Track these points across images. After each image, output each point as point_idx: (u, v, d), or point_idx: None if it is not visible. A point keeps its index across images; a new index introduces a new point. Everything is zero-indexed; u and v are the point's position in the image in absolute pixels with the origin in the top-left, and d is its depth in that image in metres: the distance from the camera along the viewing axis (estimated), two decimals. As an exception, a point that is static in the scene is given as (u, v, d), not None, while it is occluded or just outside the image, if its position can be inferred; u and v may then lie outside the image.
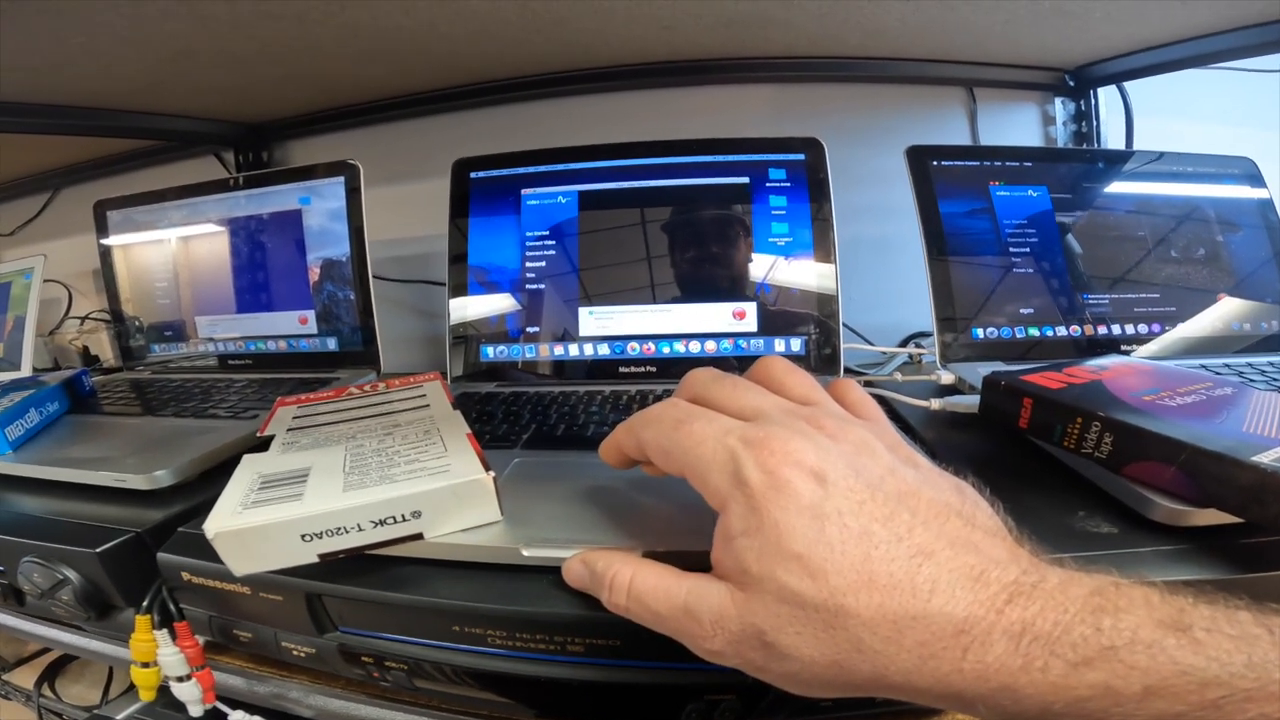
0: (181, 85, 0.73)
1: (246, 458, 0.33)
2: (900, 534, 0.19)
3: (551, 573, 0.27)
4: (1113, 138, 0.84)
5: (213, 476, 0.45)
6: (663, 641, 0.24)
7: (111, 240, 0.74)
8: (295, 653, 0.34)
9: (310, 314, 0.65)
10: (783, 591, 0.19)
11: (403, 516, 0.27)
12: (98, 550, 0.36)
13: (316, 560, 0.27)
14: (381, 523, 0.27)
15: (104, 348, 1.08)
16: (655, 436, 0.24)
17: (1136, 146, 0.83)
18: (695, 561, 0.23)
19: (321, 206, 0.63)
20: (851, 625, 0.18)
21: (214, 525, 0.25)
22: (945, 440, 0.42)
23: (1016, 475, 0.36)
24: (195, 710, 0.38)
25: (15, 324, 0.85)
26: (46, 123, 0.74)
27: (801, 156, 0.55)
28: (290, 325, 0.66)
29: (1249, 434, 0.29)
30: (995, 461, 0.39)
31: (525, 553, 0.27)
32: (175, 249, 0.71)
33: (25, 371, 0.83)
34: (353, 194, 0.62)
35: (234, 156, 1.01)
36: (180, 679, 0.37)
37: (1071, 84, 0.83)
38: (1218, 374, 0.45)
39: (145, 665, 0.37)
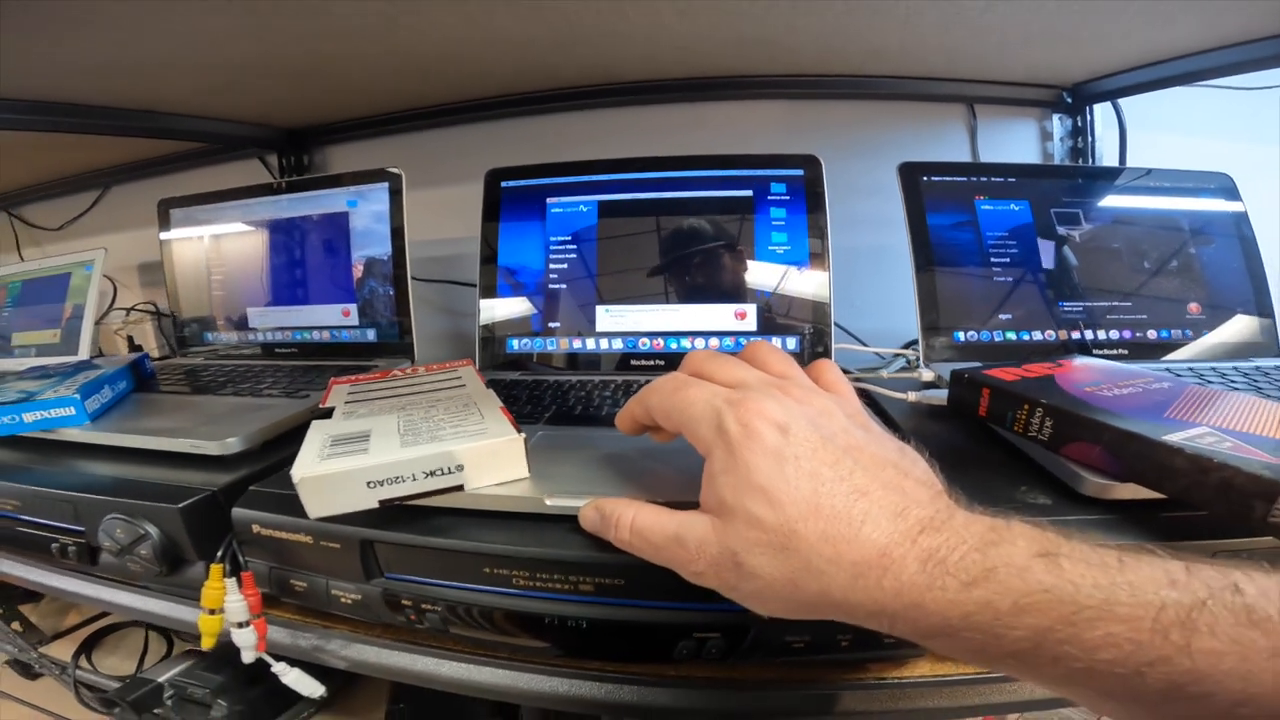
0: (237, 93, 0.80)
1: (315, 423, 0.39)
2: (843, 475, 0.24)
3: (569, 521, 0.33)
4: (1108, 153, 0.88)
5: (272, 446, 0.50)
6: (658, 582, 0.29)
7: (173, 235, 0.81)
8: (343, 599, 0.38)
9: (353, 307, 0.71)
10: (750, 517, 0.24)
11: (448, 469, 0.32)
12: (180, 506, 0.41)
13: (377, 505, 0.32)
14: (431, 474, 0.32)
15: (148, 338, 1.15)
16: (659, 401, 0.29)
17: (1130, 161, 0.86)
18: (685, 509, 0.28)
19: (366, 209, 0.69)
20: (802, 547, 0.23)
21: (300, 471, 0.31)
22: (919, 428, 0.47)
23: (975, 456, 0.41)
24: (248, 656, 0.41)
25: (74, 312, 0.92)
26: (105, 124, 0.79)
27: (800, 172, 0.61)
28: (334, 317, 0.72)
29: (1169, 419, 0.33)
30: (959, 444, 0.43)
31: (548, 502, 0.33)
32: (230, 245, 0.78)
33: (83, 356, 0.90)
34: (395, 198, 0.68)
35: (277, 160, 1.08)
36: (240, 625, 0.40)
37: (1069, 101, 0.87)
38: (1177, 375, 0.50)
39: (212, 612, 0.40)
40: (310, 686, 0.44)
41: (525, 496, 0.34)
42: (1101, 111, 0.86)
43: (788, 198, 0.60)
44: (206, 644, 0.41)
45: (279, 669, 0.42)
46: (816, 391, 0.28)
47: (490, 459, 0.33)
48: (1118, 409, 0.35)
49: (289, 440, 0.52)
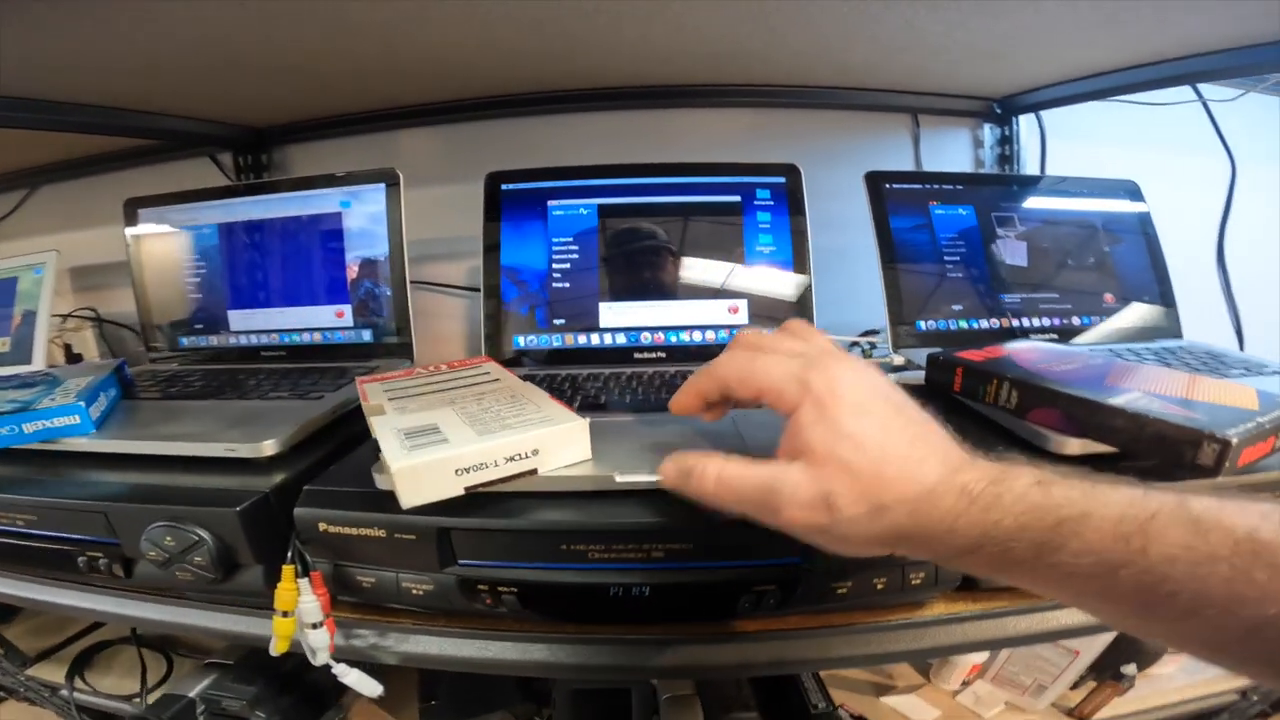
0: (203, 90, 0.77)
1: (375, 420, 0.41)
2: (902, 427, 0.29)
3: (636, 496, 0.37)
4: (1030, 160, 0.99)
5: (301, 448, 0.51)
6: (722, 543, 0.33)
7: (142, 236, 0.78)
8: (414, 591, 0.40)
9: (347, 308, 0.72)
10: (842, 462, 0.28)
11: (525, 454, 0.36)
12: (238, 509, 0.41)
13: (463, 493, 0.35)
14: (510, 459, 0.36)
15: (88, 345, 1.10)
16: (735, 371, 0.33)
17: (1049, 167, 0.98)
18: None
19: (361, 210, 0.70)
20: (879, 486, 0.27)
21: (397, 462, 0.33)
22: None
23: (953, 425, 0.47)
24: (322, 658, 0.41)
25: (24, 319, 0.87)
26: (42, 119, 0.74)
27: (783, 180, 0.67)
28: (326, 319, 0.73)
29: (1109, 387, 0.41)
30: (937, 416, 0.50)
31: (618, 478, 0.37)
32: (208, 246, 0.76)
33: (38, 365, 0.86)
34: (393, 197, 0.69)
35: (232, 159, 1.04)
36: (313, 626, 0.40)
37: (998, 112, 0.98)
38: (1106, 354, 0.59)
39: (285, 615, 0.39)
40: (370, 686, 0.44)
41: (596, 475, 0.38)
42: (1026, 122, 0.97)
43: (772, 203, 0.67)
44: (281, 647, 0.40)
45: (339, 670, 0.42)
46: (863, 360, 0.33)
47: (560, 443, 0.37)
48: (1068, 380, 0.43)
49: (317, 442, 0.53)
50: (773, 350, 0.33)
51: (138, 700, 0.64)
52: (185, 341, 0.79)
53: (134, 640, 0.72)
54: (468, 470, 0.35)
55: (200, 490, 0.45)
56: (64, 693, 0.66)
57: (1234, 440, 0.33)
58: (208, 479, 0.46)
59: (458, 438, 0.36)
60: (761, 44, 0.71)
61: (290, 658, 0.43)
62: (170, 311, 0.79)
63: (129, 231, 0.78)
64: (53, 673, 0.71)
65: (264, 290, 0.74)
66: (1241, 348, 0.80)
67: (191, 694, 0.60)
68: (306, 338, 0.74)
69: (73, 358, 1.06)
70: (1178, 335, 0.69)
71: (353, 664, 0.43)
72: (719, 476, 0.31)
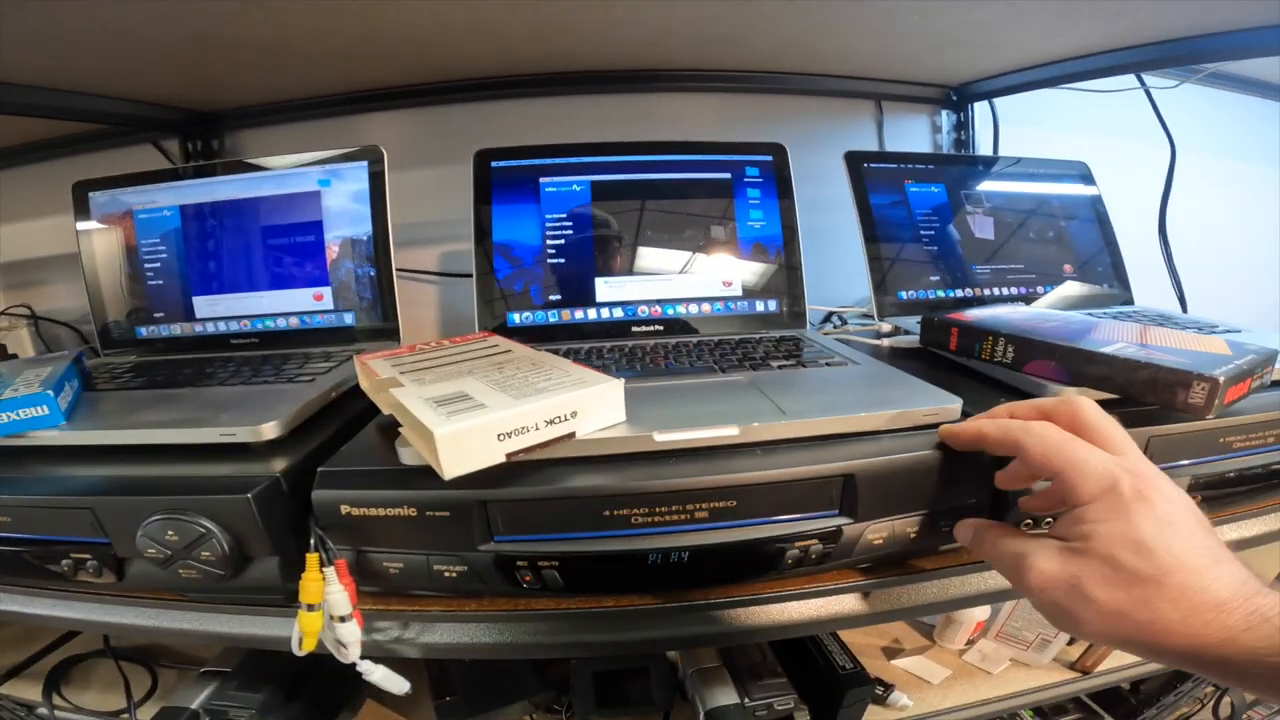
0: (158, 71, 0.73)
1: (396, 392, 0.39)
2: (1208, 546, 0.29)
3: (676, 455, 0.37)
4: (984, 144, 1.05)
5: (300, 431, 0.48)
6: (766, 499, 0.34)
7: (92, 221, 0.72)
8: (447, 574, 0.38)
9: (326, 291, 0.69)
10: (1112, 559, 0.29)
11: (564, 417, 0.36)
12: (251, 494, 0.38)
13: (503, 460, 0.34)
14: (550, 422, 0.35)
15: (24, 345, 1.02)
16: (1043, 441, 0.33)
17: (1002, 152, 1.03)
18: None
19: (342, 188, 0.67)
20: (1151, 590, 0.28)
21: (440, 429, 0.32)
22: (900, 366, 0.56)
23: (950, 384, 0.50)
24: (353, 653, 0.38)
25: (-46, 313, 0.80)
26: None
27: (770, 158, 0.69)
28: (304, 302, 0.69)
29: (1095, 339, 0.45)
30: (936, 375, 0.52)
31: (657, 437, 0.37)
32: (169, 230, 0.71)
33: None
34: (376, 176, 0.66)
35: (180, 145, 0.97)
36: (342, 619, 0.37)
37: (954, 99, 1.03)
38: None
39: (311, 608, 0.37)
40: (397, 684, 0.42)
41: (635, 436, 0.37)
42: (980, 109, 1.03)
43: (760, 180, 0.68)
44: (309, 645, 0.38)
45: (364, 667, 0.40)
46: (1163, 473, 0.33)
47: (597, 403, 0.37)
48: (1059, 335, 0.46)
49: (315, 425, 0.51)
50: (1095, 443, 0.33)
51: (126, 716, 0.59)
52: (144, 331, 0.73)
53: (109, 652, 0.67)
54: (509, 435, 0.34)
55: (200, 479, 0.41)
56: (42, 711, 0.61)
57: (1221, 379, 0.36)
58: (203, 468, 0.43)
59: (494, 403, 0.35)
60: (749, 27, 0.71)
61: (291, 661, 0.41)
62: (127, 301, 0.73)
63: (78, 217, 0.72)
64: (25, 691, 0.65)
65: (234, 275, 0.70)
66: (1185, 312, 0.87)
67: (194, 705, 0.55)
68: (282, 323, 0.70)
69: (6, 357, 0.99)
70: (1130, 302, 0.75)
71: (375, 660, 0.41)
72: (984, 535, 0.35)
